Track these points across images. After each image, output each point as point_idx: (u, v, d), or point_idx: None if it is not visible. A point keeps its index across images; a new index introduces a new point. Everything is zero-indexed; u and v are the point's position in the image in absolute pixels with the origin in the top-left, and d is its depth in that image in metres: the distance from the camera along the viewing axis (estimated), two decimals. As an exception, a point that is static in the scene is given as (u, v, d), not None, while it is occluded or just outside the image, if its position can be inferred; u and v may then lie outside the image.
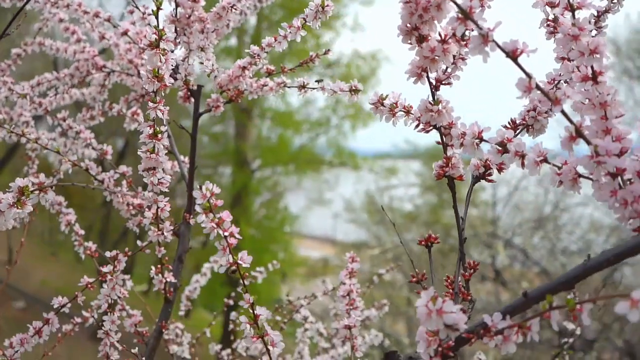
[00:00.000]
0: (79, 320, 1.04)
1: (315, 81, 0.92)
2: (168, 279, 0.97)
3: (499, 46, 0.50)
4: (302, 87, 0.94)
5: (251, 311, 0.64)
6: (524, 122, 0.68)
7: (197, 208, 0.61)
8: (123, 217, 1.06)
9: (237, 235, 0.62)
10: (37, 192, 0.65)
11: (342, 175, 12.23)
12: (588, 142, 0.51)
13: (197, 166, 1.02)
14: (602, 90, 0.53)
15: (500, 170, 0.67)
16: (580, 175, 0.54)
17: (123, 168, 1.05)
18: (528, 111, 0.68)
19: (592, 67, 0.53)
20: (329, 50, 0.98)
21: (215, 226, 0.61)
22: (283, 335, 0.69)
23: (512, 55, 0.50)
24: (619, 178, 0.51)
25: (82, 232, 1.09)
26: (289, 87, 0.96)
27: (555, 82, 0.69)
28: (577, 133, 0.51)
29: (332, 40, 11.24)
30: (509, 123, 0.68)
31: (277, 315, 1.31)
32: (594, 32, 0.73)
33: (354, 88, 0.82)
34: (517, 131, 0.68)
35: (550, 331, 6.26)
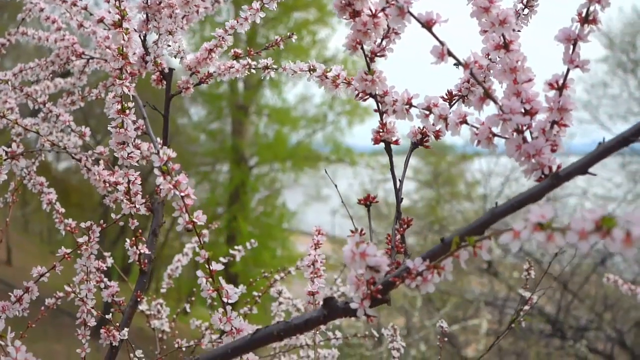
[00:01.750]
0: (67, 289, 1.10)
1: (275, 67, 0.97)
2: (142, 251, 1.03)
3: (414, 17, 0.56)
4: (266, 67, 1.00)
5: (207, 267, 0.70)
6: (459, 92, 0.74)
7: (156, 171, 0.67)
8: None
9: (193, 196, 0.68)
10: (9, 160, 0.71)
11: (339, 172, 12.26)
12: (496, 103, 0.57)
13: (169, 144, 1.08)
14: (513, 57, 0.59)
15: (437, 137, 0.73)
16: (494, 135, 0.60)
17: (100, 148, 1.11)
18: (463, 82, 0.74)
19: (503, 36, 0.59)
20: (293, 34, 1.04)
21: (172, 187, 0.67)
22: (258, 309, 0.75)
23: (427, 25, 0.56)
24: (524, 134, 0.57)
25: (62, 210, 1.14)
26: (254, 68, 1.02)
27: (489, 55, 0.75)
28: (486, 94, 0.57)
29: (328, 36, 11.30)
30: (445, 94, 0.74)
31: (252, 290, 1.37)
32: (526, 11, 0.79)
33: (312, 67, 0.88)
34: (453, 101, 0.74)
35: (543, 323, 6.32)
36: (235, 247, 1.44)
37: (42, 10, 1.26)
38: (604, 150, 0.52)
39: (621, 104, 9.04)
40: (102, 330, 1.01)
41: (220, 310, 0.70)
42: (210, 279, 0.70)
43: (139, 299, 1.05)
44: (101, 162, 1.10)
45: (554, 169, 0.56)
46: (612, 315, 6.01)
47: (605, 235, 0.38)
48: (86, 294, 0.98)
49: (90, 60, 1.26)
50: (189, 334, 1.65)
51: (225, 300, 0.70)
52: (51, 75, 1.25)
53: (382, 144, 0.74)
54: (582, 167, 0.53)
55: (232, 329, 0.69)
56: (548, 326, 6.20)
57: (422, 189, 10.44)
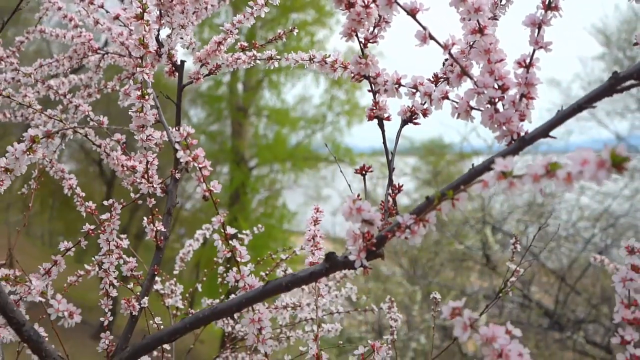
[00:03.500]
0: (88, 268, 1.19)
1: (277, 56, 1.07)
2: (159, 228, 1.12)
3: (400, 6, 0.65)
4: (270, 58, 1.09)
5: (223, 230, 0.79)
6: (444, 75, 0.83)
7: (177, 145, 0.77)
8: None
9: (209, 167, 0.77)
10: (45, 138, 0.80)
11: (339, 172, 12.29)
12: (471, 78, 0.66)
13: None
14: (486, 40, 0.69)
15: (424, 115, 0.82)
16: (471, 107, 0.69)
17: (117, 135, 1.20)
18: (447, 66, 0.83)
19: (478, 22, 0.68)
20: (294, 28, 1.13)
21: (191, 160, 0.76)
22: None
23: (412, 13, 0.66)
24: (496, 106, 0.66)
25: (83, 194, 1.23)
26: (258, 59, 1.11)
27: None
28: (463, 72, 0.66)
29: (326, 37, 11.41)
30: (432, 76, 0.84)
31: (260, 270, 1.46)
32: (504, 1, 0.88)
33: (312, 57, 0.97)
34: (439, 83, 0.83)
35: (541, 316, 6.41)
36: (243, 232, 1.52)
37: (60, 8, 1.35)
38: (562, 116, 0.61)
39: (618, 101, 9.12)
40: (123, 301, 1.10)
41: (235, 268, 0.79)
42: (225, 241, 0.79)
43: (156, 273, 1.14)
44: (118, 148, 1.19)
45: (522, 134, 0.65)
46: (609, 308, 6.10)
47: (552, 176, 0.48)
48: (108, 267, 1.07)
49: (105, 55, 1.35)
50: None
51: (238, 259, 0.79)
52: (69, 69, 1.34)
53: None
54: (544, 131, 0.62)
55: (245, 285, 0.78)
56: (546, 319, 6.30)
57: (422, 187, 10.52)
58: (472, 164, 0.64)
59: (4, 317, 0.72)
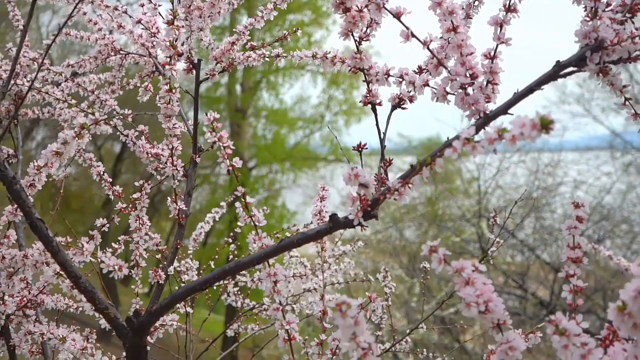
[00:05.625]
0: (115, 246, 1.34)
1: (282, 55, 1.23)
2: (181, 207, 1.27)
3: (387, 10, 0.81)
4: (277, 56, 1.25)
5: (243, 200, 0.95)
6: (426, 66, 0.98)
7: (205, 128, 0.92)
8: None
9: (232, 147, 0.93)
10: (94, 125, 0.95)
11: (337, 171, 12.46)
12: (446, 68, 0.82)
13: (200, 122, 1.33)
14: (459, 37, 0.84)
15: (411, 100, 0.97)
16: (447, 92, 0.85)
17: (141, 127, 1.35)
18: (428, 59, 0.98)
19: (452, 22, 0.84)
20: (297, 29, 1.29)
21: (217, 140, 0.92)
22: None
23: (397, 15, 0.81)
24: (467, 90, 0.82)
25: (110, 179, 1.39)
26: (267, 57, 1.26)
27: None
28: (439, 63, 0.82)
29: (323, 37, 11.57)
30: (417, 68, 0.99)
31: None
32: (476, 3, 1.03)
33: (314, 53, 1.12)
34: (422, 73, 0.98)
35: (537, 307, 6.58)
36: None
37: (85, 14, 1.50)
38: (517, 97, 0.77)
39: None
40: (150, 271, 1.26)
41: (253, 232, 0.95)
42: (245, 208, 0.95)
43: (178, 247, 1.29)
44: (142, 137, 1.34)
45: (487, 112, 0.80)
46: (603, 297, 6.27)
47: (502, 138, 0.63)
48: (138, 240, 1.22)
49: (127, 56, 1.51)
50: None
51: (257, 224, 0.95)
52: (95, 68, 1.49)
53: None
54: (503, 110, 0.78)
55: (262, 245, 0.93)
56: (543, 311, 6.46)
57: (421, 185, 10.66)
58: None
59: (64, 272, 0.87)
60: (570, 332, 0.62)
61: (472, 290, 0.67)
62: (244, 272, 1.75)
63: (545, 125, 0.58)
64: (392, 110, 0.98)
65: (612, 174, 8.32)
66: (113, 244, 1.39)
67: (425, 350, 1.61)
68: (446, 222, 8.07)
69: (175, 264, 1.58)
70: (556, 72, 0.75)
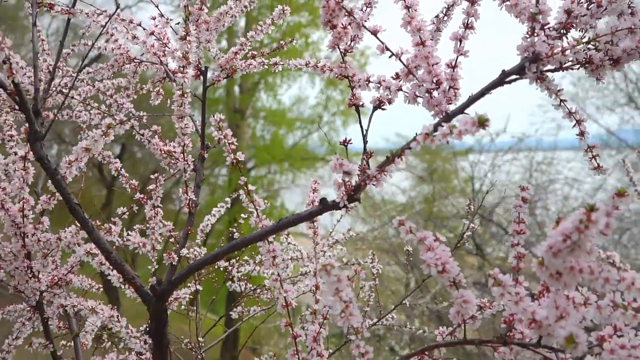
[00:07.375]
0: (132, 234, 1.51)
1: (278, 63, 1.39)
2: (191, 197, 1.44)
3: (365, 27, 0.98)
4: (276, 64, 1.42)
5: (246, 187, 1.12)
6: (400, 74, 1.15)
7: (212, 127, 1.09)
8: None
9: (235, 143, 1.10)
10: (119, 124, 1.12)
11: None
12: (414, 76, 0.99)
13: (206, 122, 1.50)
14: (426, 50, 1.01)
15: (389, 102, 1.14)
16: (417, 95, 1.02)
17: (155, 127, 1.52)
18: (401, 68, 1.15)
19: (420, 37, 1.01)
20: (293, 39, 1.46)
21: (222, 137, 1.09)
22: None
23: (374, 32, 0.98)
24: (432, 94, 0.99)
25: (126, 174, 1.55)
26: (267, 65, 1.43)
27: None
28: (409, 72, 0.99)
29: (320, 39, 11.74)
30: (394, 74, 1.16)
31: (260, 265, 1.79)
32: (445, 18, 1.20)
33: (307, 62, 1.29)
34: (397, 79, 1.15)
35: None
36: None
37: (102, 26, 1.67)
38: (471, 100, 0.94)
39: (607, 96, 9.45)
40: (165, 254, 1.42)
41: (255, 214, 1.12)
42: (248, 195, 1.12)
43: (189, 232, 1.46)
44: (156, 136, 1.51)
45: (448, 112, 0.97)
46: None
47: (452, 133, 0.80)
48: (154, 226, 1.39)
49: (140, 64, 1.67)
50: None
51: (257, 208, 1.12)
52: (112, 75, 1.66)
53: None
54: (460, 110, 0.94)
55: (262, 226, 1.10)
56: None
57: (418, 185, 10.84)
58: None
59: (98, 248, 1.04)
60: (505, 283, 0.78)
61: (433, 254, 0.84)
62: (247, 259, 1.92)
63: (482, 122, 0.75)
64: (373, 111, 1.15)
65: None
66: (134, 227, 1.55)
67: (410, 326, 1.77)
68: (442, 220, 8.25)
69: (184, 251, 1.75)
70: (502, 79, 0.92)
